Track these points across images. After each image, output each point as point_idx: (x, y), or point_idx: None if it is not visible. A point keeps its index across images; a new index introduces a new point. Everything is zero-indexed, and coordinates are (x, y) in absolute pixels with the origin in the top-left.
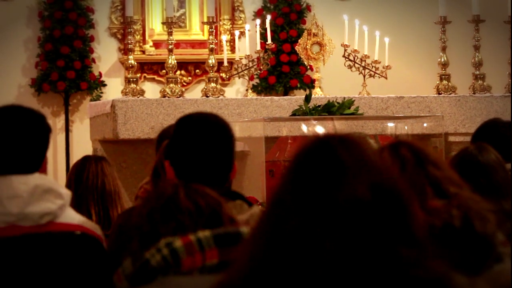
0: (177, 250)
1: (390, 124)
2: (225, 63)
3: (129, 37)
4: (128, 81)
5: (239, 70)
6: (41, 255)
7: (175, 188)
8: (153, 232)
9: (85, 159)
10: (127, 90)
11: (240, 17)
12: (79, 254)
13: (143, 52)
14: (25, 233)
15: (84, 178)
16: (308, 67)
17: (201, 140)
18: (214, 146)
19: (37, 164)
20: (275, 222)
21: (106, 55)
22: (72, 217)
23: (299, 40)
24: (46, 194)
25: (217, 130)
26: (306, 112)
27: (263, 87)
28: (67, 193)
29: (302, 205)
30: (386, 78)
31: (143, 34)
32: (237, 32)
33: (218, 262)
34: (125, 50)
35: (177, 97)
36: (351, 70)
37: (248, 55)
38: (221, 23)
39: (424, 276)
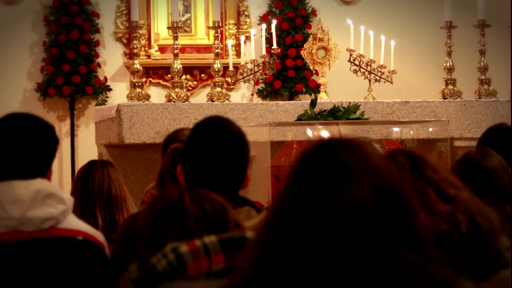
0: (183, 255)
1: (396, 129)
2: (231, 68)
3: (135, 41)
4: (133, 85)
5: (245, 74)
6: (43, 260)
7: (180, 193)
8: (159, 237)
9: (91, 163)
10: (133, 95)
11: (246, 22)
12: (81, 260)
13: (149, 56)
14: (26, 238)
15: (90, 183)
16: (314, 71)
17: (216, 149)
18: (228, 156)
19: (41, 172)
20: (277, 226)
21: (111, 60)
22: (74, 223)
23: (305, 45)
24: (48, 199)
25: (233, 141)
26: (311, 116)
27: (269, 92)
28: (69, 199)
29: (305, 208)
30: (391, 82)
31: (149, 39)
32: (242, 37)
33: (224, 267)
34: (131, 55)
35: (183, 102)
36: (357, 75)
37: (254, 59)
38: (226, 27)
39: (426, 280)
